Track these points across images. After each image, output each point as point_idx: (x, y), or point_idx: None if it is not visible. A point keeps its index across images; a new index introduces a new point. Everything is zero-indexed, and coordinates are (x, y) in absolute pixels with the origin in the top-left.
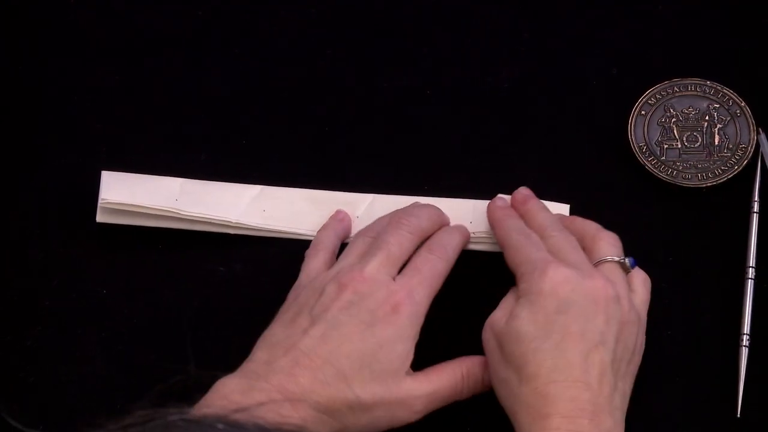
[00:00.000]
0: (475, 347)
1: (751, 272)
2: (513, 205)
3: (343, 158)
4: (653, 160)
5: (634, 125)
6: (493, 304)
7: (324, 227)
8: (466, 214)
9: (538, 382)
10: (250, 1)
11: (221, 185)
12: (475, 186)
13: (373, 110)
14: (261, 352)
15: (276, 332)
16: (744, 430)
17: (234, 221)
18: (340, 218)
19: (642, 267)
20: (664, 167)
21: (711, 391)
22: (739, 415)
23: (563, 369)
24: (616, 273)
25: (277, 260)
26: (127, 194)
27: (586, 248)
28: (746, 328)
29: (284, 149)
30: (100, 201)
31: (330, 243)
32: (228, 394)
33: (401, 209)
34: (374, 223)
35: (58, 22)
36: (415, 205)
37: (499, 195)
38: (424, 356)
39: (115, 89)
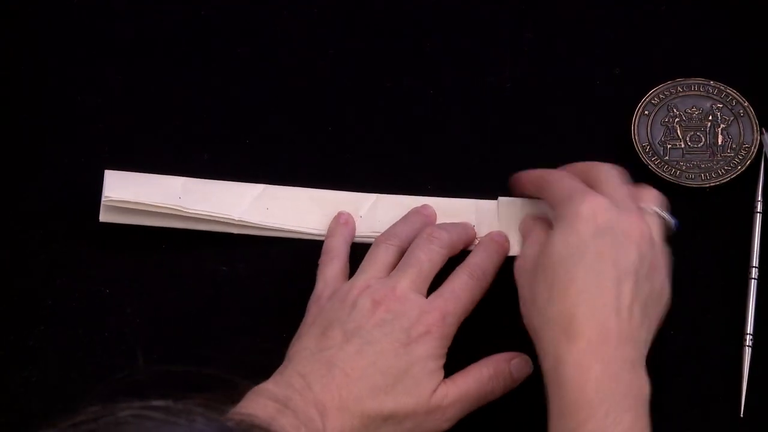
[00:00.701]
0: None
1: (754, 272)
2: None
3: (346, 157)
4: (656, 160)
5: (638, 125)
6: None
7: (331, 234)
8: (468, 215)
9: (567, 302)
10: (253, 1)
11: (224, 184)
12: (478, 186)
13: (376, 110)
14: (295, 364)
15: (308, 345)
16: (747, 430)
17: (237, 219)
18: (344, 221)
19: None
20: (667, 167)
21: (714, 391)
22: (742, 415)
23: (594, 291)
24: (655, 221)
25: (279, 260)
26: (130, 193)
27: (637, 192)
28: (750, 328)
29: (287, 149)
30: (103, 199)
31: (342, 249)
32: (263, 404)
33: (423, 220)
34: (395, 227)
35: (61, 21)
36: (442, 224)
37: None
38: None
39: (118, 88)
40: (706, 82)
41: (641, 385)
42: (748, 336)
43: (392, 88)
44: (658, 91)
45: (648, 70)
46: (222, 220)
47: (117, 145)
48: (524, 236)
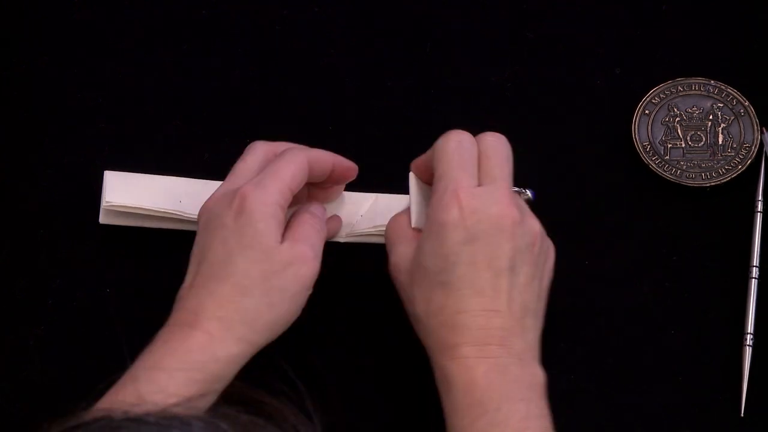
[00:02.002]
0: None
1: (754, 272)
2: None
3: (346, 157)
4: (657, 159)
5: (638, 125)
6: None
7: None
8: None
9: (445, 315)
10: (254, 1)
11: None
12: None
13: (377, 109)
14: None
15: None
16: (748, 429)
17: None
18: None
19: (646, 266)
20: (668, 167)
21: (714, 390)
22: (742, 415)
23: (471, 299)
24: (518, 198)
25: None
26: (131, 196)
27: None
28: (750, 327)
29: None
30: (103, 203)
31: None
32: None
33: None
34: None
35: (62, 21)
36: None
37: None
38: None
39: (118, 88)
40: (706, 82)
41: (533, 374)
42: (748, 335)
43: (393, 88)
44: (658, 90)
45: (648, 69)
46: None
47: (117, 145)
48: (393, 232)
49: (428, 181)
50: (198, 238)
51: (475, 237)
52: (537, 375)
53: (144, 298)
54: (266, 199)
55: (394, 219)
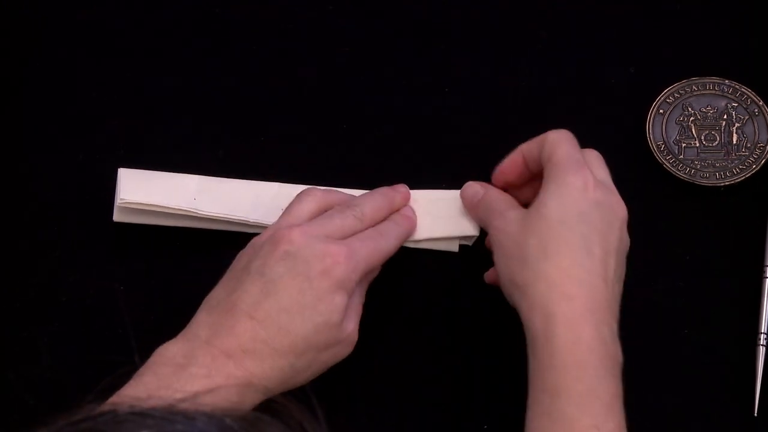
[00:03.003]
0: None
1: None
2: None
3: (360, 155)
4: (671, 158)
5: (652, 124)
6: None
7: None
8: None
9: (563, 261)
10: None
11: (239, 183)
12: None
13: (391, 108)
14: (202, 314)
15: (217, 293)
16: (761, 429)
17: (252, 221)
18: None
19: (659, 265)
20: (682, 166)
21: (728, 390)
22: (756, 415)
23: (587, 259)
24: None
25: None
26: (145, 193)
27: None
28: (764, 327)
29: (302, 146)
30: (117, 201)
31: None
32: (171, 358)
33: (349, 200)
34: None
35: (76, 19)
36: (364, 195)
37: None
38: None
39: (132, 85)
40: (721, 81)
41: (619, 354)
42: (762, 335)
43: (407, 87)
44: (672, 89)
45: (663, 68)
46: (238, 221)
47: (131, 142)
48: (488, 202)
49: (512, 178)
50: (270, 260)
51: (596, 208)
52: (620, 356)
53: (156, 296)
54: (352, 275)
55: (489, 193)
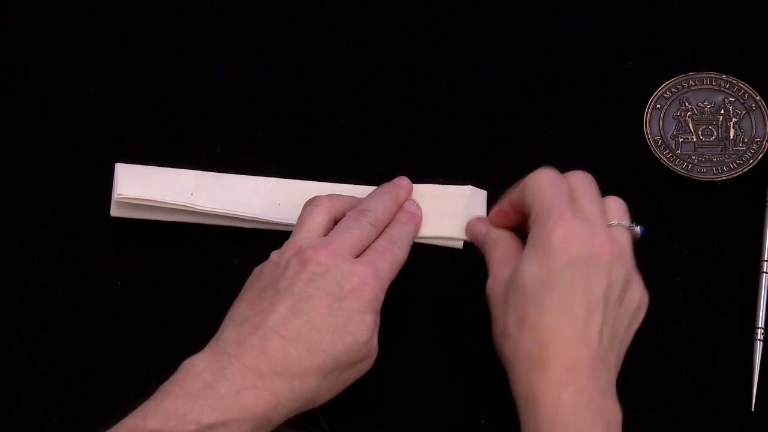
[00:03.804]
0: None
1: (765, 266)
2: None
3: (358, 151)
4: (668, 153)
5: (650, 119)
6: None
7: (371, 196)
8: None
9: (539, 334)
10: None
11: (236, 178)
12: (490, 179)
13: (388, 104)
14: (229, 331)
15: (243, 310)
16: (758, 423)
17: (249, 216)
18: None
19: (656, 260)
20: (679, 161)
21: (725, 384)
22: (753, 409)
23: (565, 323)
24: (624, 235)
25: None
26: (142, 188)
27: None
28: (761, 321)
29: (299, 142)
30: (115, 196)
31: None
32: (199, 373)
33: (360, 204)
34: (330, 197)
35: (73, 15)
36: (371, 195)
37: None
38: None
39: (130, 81)
40: (718, 76)
41: (613, 410)
42: (759, 330)
43: (404, 82)
44: (670, 84)
45: (660, 63)
46: (234, 216)
47: (129, 138)
48: (489, 247)
49: (507, 224)
50: (298, 280)
51: (576, 262)
52: (616, 413)
53: (154, 291)
54: (380, 294)
55: (488, 234)
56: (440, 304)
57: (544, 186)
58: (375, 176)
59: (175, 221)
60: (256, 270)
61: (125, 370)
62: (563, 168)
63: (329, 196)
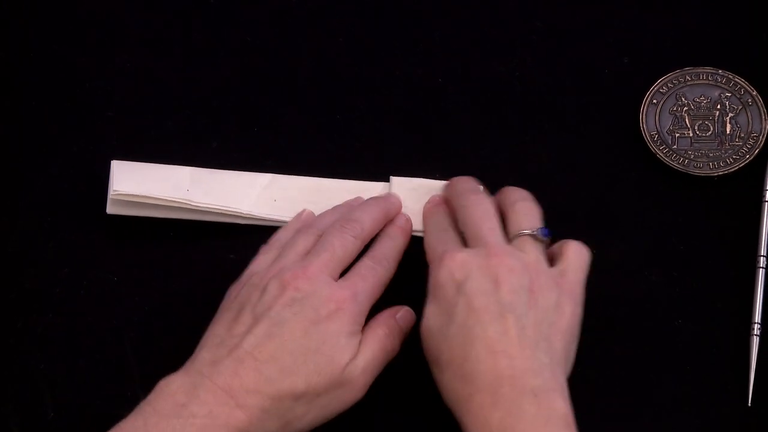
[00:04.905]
0: None
1: (762, 261)
2: (445, 189)
3: (354, 146)
4: (665, 148)
5: (646, 114)
6: None
7: (285, 228)
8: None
9: (453, 367)
10: None
11: (232, 174)
12: (487, 174)
13: (385, 99)
14: (205, 352)
15: (219, 332)
16: (755, 419)
17: (245, 212)
18: (303, 218)
19: (653, 255)
20: (675, 156)
21: (722, 380)
22: (750, 404)
23: (474, 344)
24: (528, 244)
25: None
26: (138, 185)
27: (505, 222)
28: (757, 317)
29: (295, 137)
30: (110, 192)
31: (284, 241)
32: (172, 393)
33: (347, 210)
34: (319, 217)
35: (70, 10)
36: (360, 206)
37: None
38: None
39: (126, 77)
40: (714, 71)
41: (551, 408)
42: (755, 325)
43: (401, 78)
44: (666, 80)
45: (656, 59)
46: (230, 212)
47: (125, 134)
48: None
49: None
50: (276, 305)
51: (466, 286)
52: (556, 409)
53: (150, 287)
54: (358, 318)
55: (427, 233)
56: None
57: (428, 229)
58: (371, 172)
59: (171, 218)
60: (233, 291)
61: (121, 366)
62: (562, 166)
63: (327, 217)
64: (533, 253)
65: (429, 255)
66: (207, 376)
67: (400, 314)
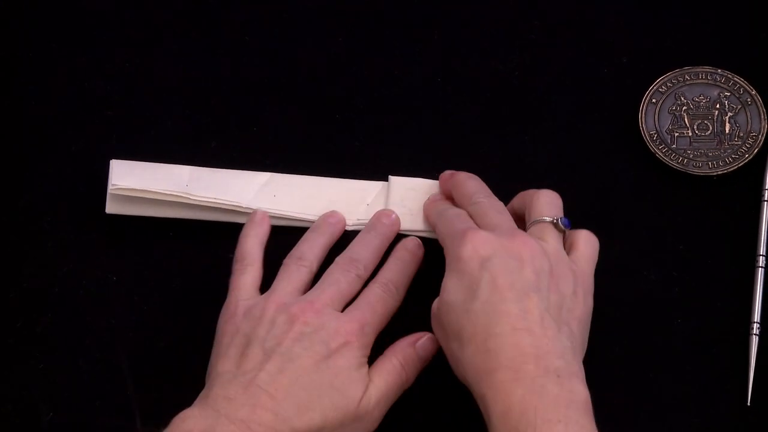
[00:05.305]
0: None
1: (761, 260)
2: (440, 185)
3: (353, 145)
4: (664, 148)
5: (645, 113)
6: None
7: (245, 234)
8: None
9: (476, 342)
10: None
11: (231, 172)
12: (486, 173)
13: (384, 98)
14: (218, 388)
15: (229, 367)
16: (754, 418)
17: (245, 206)
18: (258, 220)
19: (652, 254)
20: (674, 155)
21: (721, 379)
22: (749, 404)
23: (499, 321)
24: (547, 231)
25: (286, 247)
26: (137, 181)
27: (527, 211)
28: (756, 316)
29: (294, 136)
30: (110, 188)
31: (256, 255)
32: (190, 430)
33: (349, 250)
34: (302, 244)
35: (69, 9)
36: (361, 241)
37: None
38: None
39: (125, 76)
40: (713, 71)
41: (572, 392)
42: (754, 324)
43: (400, 76)
44: (665, 79)
45: (655, 58)
46: (229, 208)
47: (124, 134)
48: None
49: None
50: (285, 339)
51: (491, 261)
52: (578, 392)
53: (149, 287)
54: (365, 350)
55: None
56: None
57: (445, 221)
58: (370, 170)
59: (171, 217)
60: (230, 322)
61: (121, 365)
62: (561, 165)
63: (312, 247)
64: (553, 240)
65: (445, 231)
66: (223, 414)
67: (420, 342)
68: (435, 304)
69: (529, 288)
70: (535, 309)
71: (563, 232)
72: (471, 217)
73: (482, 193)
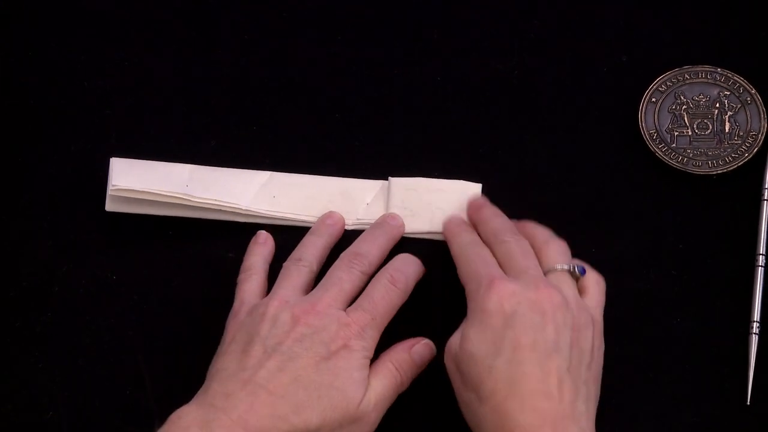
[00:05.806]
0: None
1: (761, 260)
2: (468, 214)
3: (352, 144)
4: (664, 147)
5: (645, 112)
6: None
7: (249, 253)
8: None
9: (496, 400)
10: None
11: (231, 172)
12: (486, 172)
13: (383, 97)
14: (216, 384)
15: (228, 365)
16: (754, 417)
17: (244, 208)
18: (262, 241)
19: (652, 254)
20: (674, 154)
21: (721, 378)
22: (749, 403)
23: (519, 382)
24: (564, 279)
25: (286, 246)
26: (137, 181)
27: (539, 257)
28: (756, 315)
29: (294, 135)
30: (109, 188)
31: (260, 267)
32: (186, 427)
33: (355, 245)
34: (301, 246)
35: (69, 8)
36: (366, 238)
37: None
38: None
39: (124, 75)
40: (713, 70)
41: None
42: (754, 323)
43: (400, 75)
44: (665, 78)
45: (655, 57)
46: (229, 209)
47: (124, 133)
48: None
49: None
50: (287, 339)
51: (515, 320)
52: None
53: (149, 285)
54: (367, 351)
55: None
56: (432, 302)
57: (470, 259)
58: (370, 170)
59: (170, 216)
60: (234, 322)
61: (120, 364)
62: (561, 165)
63: (310, 248)
64: (571, 289)
65: (468, 272)
66: (221, 409)
67: (416, 348)
68: (454, 346)
69: (551, 348)
70: (555, 371)
71: (578, 279)
72: (495, 255)
73: (510, 232)
